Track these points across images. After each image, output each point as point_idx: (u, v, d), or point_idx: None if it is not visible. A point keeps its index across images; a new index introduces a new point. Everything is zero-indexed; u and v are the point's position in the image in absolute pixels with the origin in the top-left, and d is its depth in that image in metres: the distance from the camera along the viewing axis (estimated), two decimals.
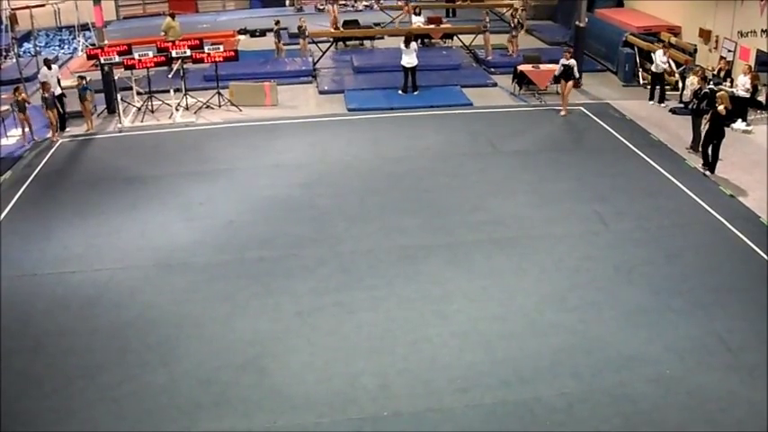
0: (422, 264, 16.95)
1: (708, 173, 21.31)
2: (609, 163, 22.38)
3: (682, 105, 26.91)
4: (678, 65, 28.95)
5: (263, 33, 41.28)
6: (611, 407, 12.31)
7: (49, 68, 27.20)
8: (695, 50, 29.99)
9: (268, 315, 15.16)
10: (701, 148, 21.78)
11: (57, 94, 26.29)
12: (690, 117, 23.61)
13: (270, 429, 12.11)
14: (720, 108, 20.54)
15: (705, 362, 13.39)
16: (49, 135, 25.85)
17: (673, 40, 31.38)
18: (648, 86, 29.29)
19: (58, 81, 27.14)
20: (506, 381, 12.98)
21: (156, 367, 13.64)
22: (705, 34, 30.27)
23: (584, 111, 27.31)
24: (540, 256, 17.21)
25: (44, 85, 25.66)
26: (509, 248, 17.55)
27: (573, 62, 26.87)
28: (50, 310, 15.57)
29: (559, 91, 27.90)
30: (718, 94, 21.14)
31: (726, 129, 21.52)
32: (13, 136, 26.05)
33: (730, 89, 25.44)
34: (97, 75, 28.85)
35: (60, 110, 26.33)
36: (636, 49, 31.41)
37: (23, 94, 25.49)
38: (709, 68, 28.01)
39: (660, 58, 27.59)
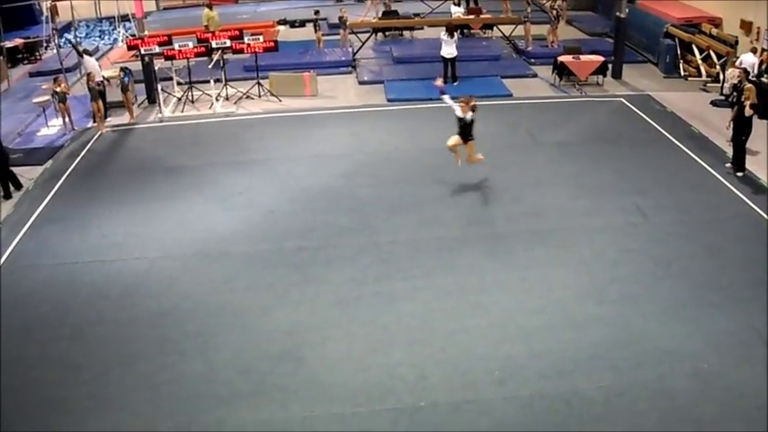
0: (460, 255, 16.93)
1: (732, 169, 20.92)
2: (649, 155, 22.19)
3: (722, 98, 26.61)
4: (719, 57, 28.74)
5: (302, 24, 41.36)
6: (649, 401, 12.25)
7: (88, 56, 27.40)
8: (736, 42, 29.59)
9: (307, 305, 15.23)
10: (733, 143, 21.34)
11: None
12: (730, 110, 23.27)
13: (307, 419, 12.17)
14: (747, 102, 20.19)
15: (744, 357, 13.26)
16: (91, 125, 26.09)
17: (714, 31, 31.08)
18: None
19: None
20: (544, 373, 12.95)
21: (194, 356, 13.75)
22: (746, 26, 29.89)
23: (625, 102, 27.09)
24: (579, 248, 17.14)
25: (89, 75, 25.90)
26: (548, 240, 17.49)
27: (470, 116, 19.88)
28: (90, 298, 15.74)
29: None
30: (745, 87, 20.74)
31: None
32: (54, 126, 26.30)
33: None
34: (137, 65, 29.05)
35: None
36: (677, 40, 31.15)
37: (63, 85, 25.73)
38: None
39: (749, 61, 25.94)
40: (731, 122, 20.99)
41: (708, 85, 28.97)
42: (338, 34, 35.56)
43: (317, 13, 34.93)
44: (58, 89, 25.36)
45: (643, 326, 14.16)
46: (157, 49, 27.33)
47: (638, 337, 13.83)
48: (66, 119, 25.94)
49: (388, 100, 28.41)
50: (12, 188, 20.94)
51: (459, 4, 37.01)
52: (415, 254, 17.03)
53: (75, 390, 12.99)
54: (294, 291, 15.73)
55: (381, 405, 12.36)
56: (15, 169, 21.33)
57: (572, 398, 12.36)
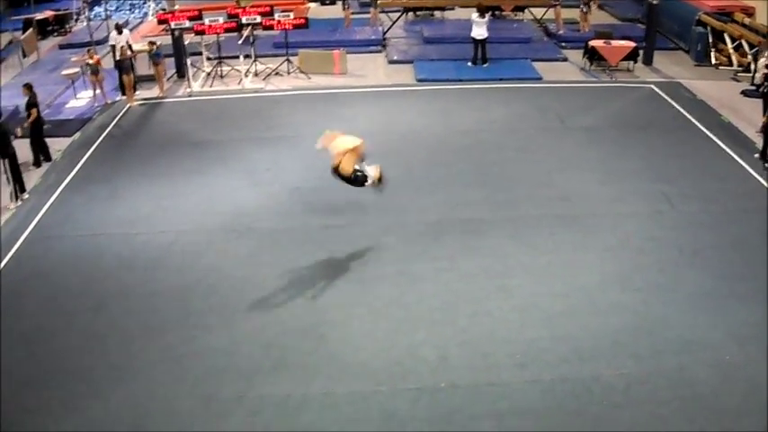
0: (485, 237, 16.91)
1: (761, 160, 20.58)
2: (677, 143, 22.03)
3: (753, 88, 26.38)
4: (751, 46, 28.49)
5: (333, 2, 41.34)
6: (670, 390, 12.21)
7: (120, 33, 27.52)
8: None
9: (330, 282, 15.29)
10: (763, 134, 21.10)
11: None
12: (761, 100, 23.03)
13: (328, 395, 12.23)
14: None
15: (765, 350, 13.16)
16: (119, 98, 26.19)
17: (746, 20, 30.79)
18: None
19: (130, 46, 27.36)
20: (565, 358, 12.94)
21: (217, 330, 13.84)
22: None
23: (655, 89, 26.91)
24: (604, 234, 17.07)
25: (121, 48, 26.02)
26: (573, 225, 17.42)
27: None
28: (115, 270, 15.87)
29: None
30: None
31: None
32: (83, 98, 26.42)
33: None
34: (167, 39, 29.09)
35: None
36: (709, 28, 30.89)
37: (95, 57, 25.81)
38: None
39: None
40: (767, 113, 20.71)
41: (739, 74, 28.67)
42: (368, 13, 35.50)
43: None
44: (90, 61, 25.48)
45: (666, 315, 14.10)
46: (187, 24, 27.41)
47: (661, 326, 13.77)
48: (98, 91, 26.06)
49: (418, 80, 28.35)
50: (42, 158, 21.08)
51: None
52: (439, 235, 17.02)
53: (97, 360, 13.11)
54: (318, 268, 15.79)
55: (402, 385, 12.40)
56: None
57: (593, 384, 12.34)
